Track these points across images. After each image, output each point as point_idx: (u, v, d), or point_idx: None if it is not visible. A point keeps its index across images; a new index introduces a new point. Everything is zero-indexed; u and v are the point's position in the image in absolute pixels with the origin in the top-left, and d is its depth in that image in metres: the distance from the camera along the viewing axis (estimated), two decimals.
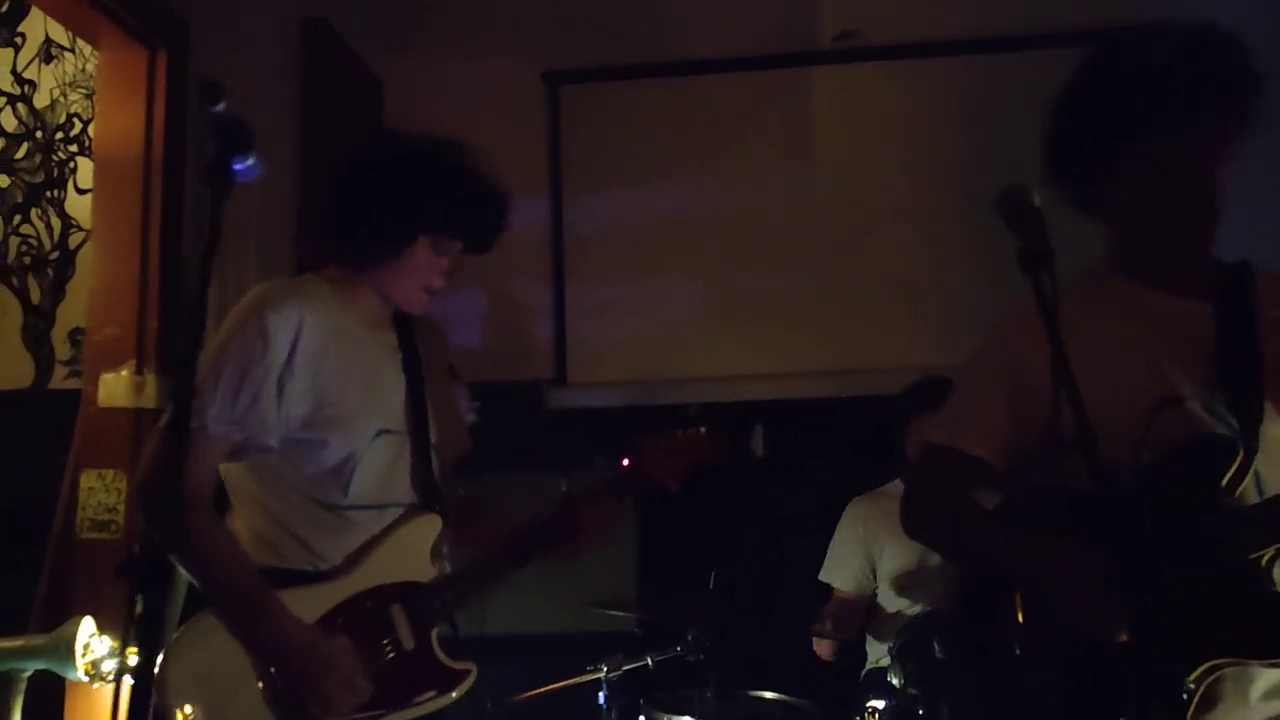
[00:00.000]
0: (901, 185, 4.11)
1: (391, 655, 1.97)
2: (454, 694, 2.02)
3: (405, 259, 2.01)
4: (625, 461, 2.26)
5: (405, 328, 2.13)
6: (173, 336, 2.77)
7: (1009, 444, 1.81)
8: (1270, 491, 1.69)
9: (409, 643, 1.98)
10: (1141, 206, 1.75)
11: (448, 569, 2.11)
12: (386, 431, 2.02)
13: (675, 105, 4.26)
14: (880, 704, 2.94)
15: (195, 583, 1.88)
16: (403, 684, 1.97)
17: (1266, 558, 1.62)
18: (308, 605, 1.91)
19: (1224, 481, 1.66)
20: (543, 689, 3.00)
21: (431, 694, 1.99)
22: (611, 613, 3.16)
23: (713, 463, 2.20)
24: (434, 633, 2.03)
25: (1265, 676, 1.66)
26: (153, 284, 2.73)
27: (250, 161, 1.36)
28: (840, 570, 3.52)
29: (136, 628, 1.15)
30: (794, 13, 4.24)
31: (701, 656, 2.85)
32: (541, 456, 4.04)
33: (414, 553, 2.04)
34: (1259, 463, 1.68)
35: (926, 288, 4.03)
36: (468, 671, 2.04)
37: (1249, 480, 1.68)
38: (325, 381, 1.94)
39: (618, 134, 4.27)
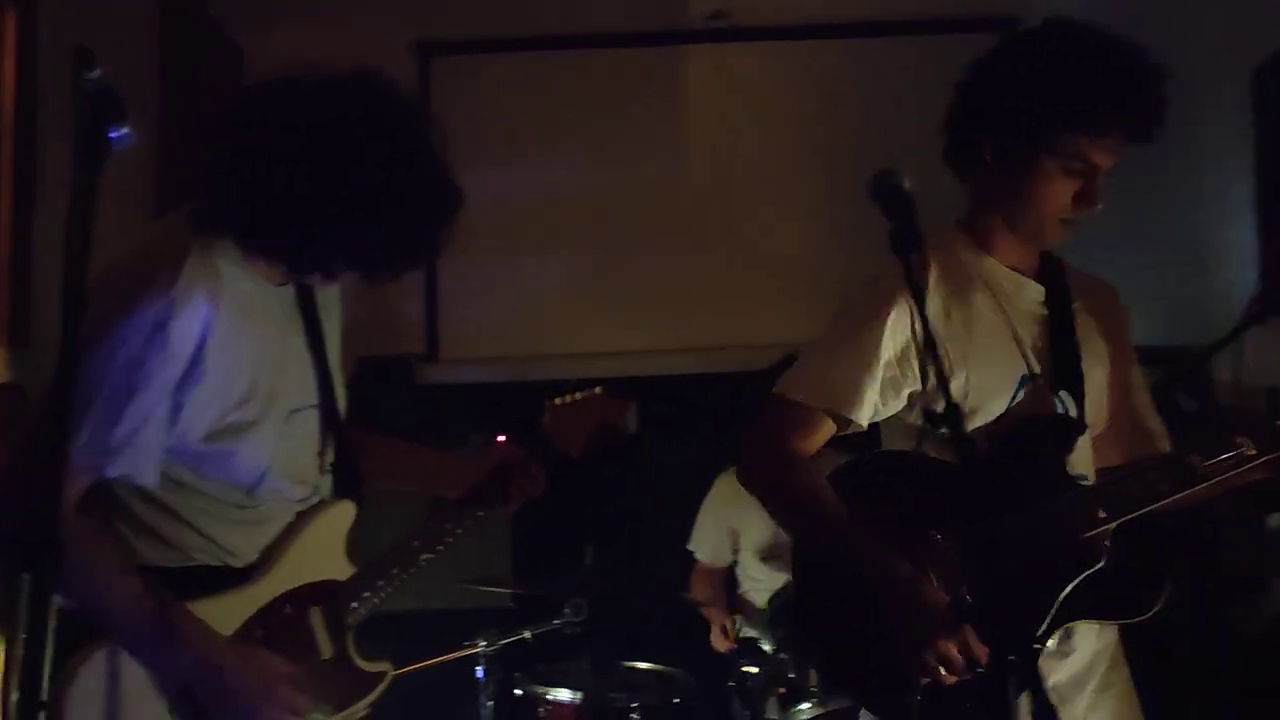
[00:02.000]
0: (773, 165, 4.19)
1: (315, 667, 1.75)
2: (367, 701, 1.83)
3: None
4: (501, 438, 2.18)
5: (306, 290, 1.83)
6: (23, 310, 2.64)
7: (872, 409, 1.83)
8: (1074, 471, 1.81)
9: (327, 650, 1.78)
10: (1019, 191, 1.80)
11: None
12: (296, 410, 1.76)
13: (550, 80, 4.24)
14: (754, 669, 3.03)
15: (83, 610, 1.55)
16: (327, 695, 1.75)
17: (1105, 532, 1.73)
18: (222, 615, 1.67)
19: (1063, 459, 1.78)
20: (417, 665, 2.98)
21: (353, 704, 1.80)
22: (487, 589, 3.16)
23: (616, 427, 2.08)
24: (351, 635, 1.83)
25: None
26: (3, 255, 2.60)
27: (124, 130, 1.30)
28: (703, 541, 3.61)
29: (21, 611, 1.07)
30: None
31: (578, 629, 2.88)
32: (412, 433, 4.00)
33: (331, 546, 1.84)
34: None
35: (798, 265, 4.12)
36: (383, 675, 1.86)
37: None
38: (234, 377, 1.63)
39: (491, 108, 4.21)
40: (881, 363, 1.78)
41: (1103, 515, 1.70)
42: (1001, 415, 1.79)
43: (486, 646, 2.90)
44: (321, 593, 1.79)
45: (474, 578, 3.06)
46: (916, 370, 1.78)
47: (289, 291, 1.77)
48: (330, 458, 1.85)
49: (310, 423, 1.79)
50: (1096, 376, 1.86)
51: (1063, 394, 1.82)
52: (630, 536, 3.86)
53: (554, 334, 4.21)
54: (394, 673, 1.86)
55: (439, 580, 3.12)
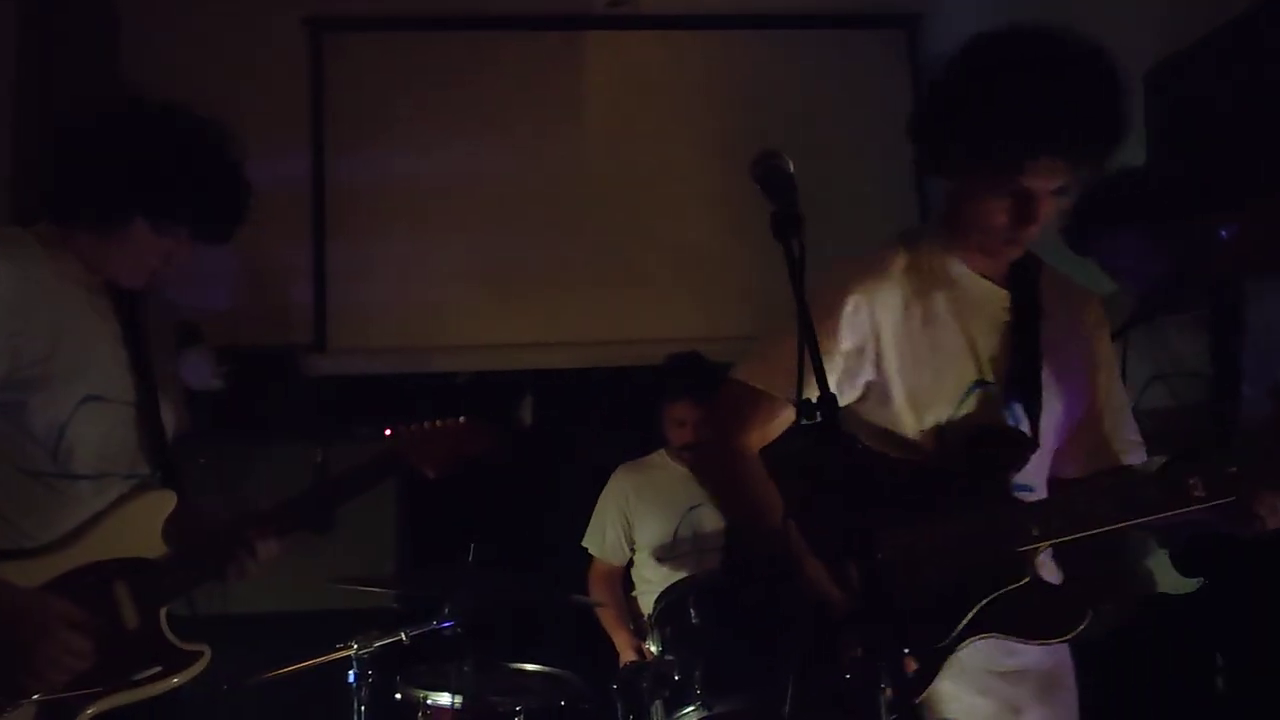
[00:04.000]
0: (672, 154, 4.14)
1: (112, 632, 1.84)
2: (177, 678, 1.91)
3: (119, 237, 1.89)
4: (388, 431, 2.20)
5: (123, 291, 2.00)
6: None
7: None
8: (1023, 482, 1.78)
9: (133, 621, 1.88)
10: (957, 205, 1.77)
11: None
12: (97, 398, 1.89)
13: (447, 61, 4.14)
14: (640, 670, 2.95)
15: None
16: (123, 661, 1.86)
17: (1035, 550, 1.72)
18: (15, 576, 1.79)
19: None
20: (285, 669, 2.85)
21: (156, 669, 1.89)
22: (365, 589, 3.05)
23: (476, 454, 2.19)
24: (164, 612, 1.92)
25: None
26: None
27: None
28: (599, 537, 3.54)
29: None
30: None
31: (460, 630, 2.79)
32: (298, 426, 3.86)
33: (143, 529, 1.93)
34: None
35: (694, 257, 4.08)
36: (199, 654, 1.93)
37: None
38: (25, 340, 1.81)
39: (387, 87, 4.11)
40: (840, 353, 1.75)
41: (1036, 533, 1.69)
42: (950, 420, 1.76)
43: (359, 649, 2.78)
44: (130, 568, 1.90)
45: (350, 578, 2.94)
46: (872, 361, 1.76)
47: (106, 301, 1.96)
48: (153, 456, 1.97)
49: (114, 415, 1.92)
50: (1058, 388, 1.82)
51: (1016, 405, 1.78)
52: (520, 533, 3.78)
53: (450, 324, 4.11)
54: (207, 655, 1.94)
55: (318, 581, 3.03)
